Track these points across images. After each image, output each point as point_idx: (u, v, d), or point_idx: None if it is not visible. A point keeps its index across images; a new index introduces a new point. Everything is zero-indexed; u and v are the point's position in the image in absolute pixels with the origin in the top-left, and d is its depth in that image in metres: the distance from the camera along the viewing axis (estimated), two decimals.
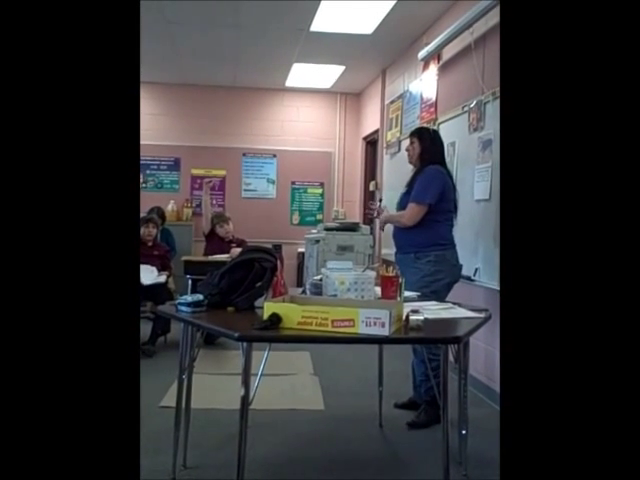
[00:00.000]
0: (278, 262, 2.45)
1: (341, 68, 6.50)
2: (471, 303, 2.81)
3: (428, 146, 3.37)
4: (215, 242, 5.54)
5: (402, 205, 3.39)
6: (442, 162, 3.40)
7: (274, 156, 7.64)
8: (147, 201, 6.54)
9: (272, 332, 1.94)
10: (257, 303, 2.34)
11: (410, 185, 3.35)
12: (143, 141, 6.98)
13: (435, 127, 4.61)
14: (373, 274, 2.46)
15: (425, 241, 3.23)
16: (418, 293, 2.82)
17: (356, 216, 7.42)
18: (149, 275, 4.91)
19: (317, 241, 6.01)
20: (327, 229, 6.13)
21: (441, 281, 3.20)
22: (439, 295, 2.94)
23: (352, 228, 6.15)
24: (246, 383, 1.96)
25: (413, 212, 3.24)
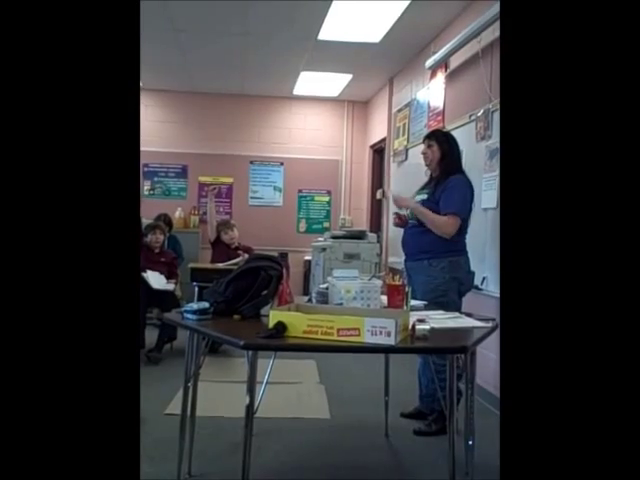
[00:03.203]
0: (284, 270, 2.45)
1: (348, 76, 6.52)
2: (479, 312, 2.78)
3: (447, 150, 3.29)
4: (221, 249, 5.55)
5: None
6: (461, 167, 3.33)
7: (281, 164, 7.65)
8: (154, 208, 6.57)
9: (277, 341, 1.93)
10: (263, 311, 2.33)
11: (433, 192, 3.25)
12: (151, 148, 7.06)
13: None
14: (379, 283, 2.46)
15: (439, 247, 3.16)
16: (425, 302, 2.79)
17: (363, 224, 7.41)
18: (158, 281, 4.94)
19: (324, 249, 6.00)
20: (334, 237, 6.13)
21: (456, 289, 3.15)
22: (455, 304, 2.87)
23: (359, 236, 6.14)
24: (251, 391, 1.96)
25: (455, 225, 3.14)
